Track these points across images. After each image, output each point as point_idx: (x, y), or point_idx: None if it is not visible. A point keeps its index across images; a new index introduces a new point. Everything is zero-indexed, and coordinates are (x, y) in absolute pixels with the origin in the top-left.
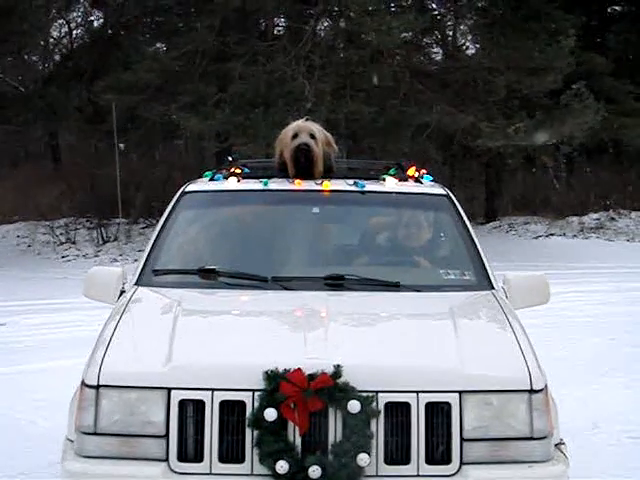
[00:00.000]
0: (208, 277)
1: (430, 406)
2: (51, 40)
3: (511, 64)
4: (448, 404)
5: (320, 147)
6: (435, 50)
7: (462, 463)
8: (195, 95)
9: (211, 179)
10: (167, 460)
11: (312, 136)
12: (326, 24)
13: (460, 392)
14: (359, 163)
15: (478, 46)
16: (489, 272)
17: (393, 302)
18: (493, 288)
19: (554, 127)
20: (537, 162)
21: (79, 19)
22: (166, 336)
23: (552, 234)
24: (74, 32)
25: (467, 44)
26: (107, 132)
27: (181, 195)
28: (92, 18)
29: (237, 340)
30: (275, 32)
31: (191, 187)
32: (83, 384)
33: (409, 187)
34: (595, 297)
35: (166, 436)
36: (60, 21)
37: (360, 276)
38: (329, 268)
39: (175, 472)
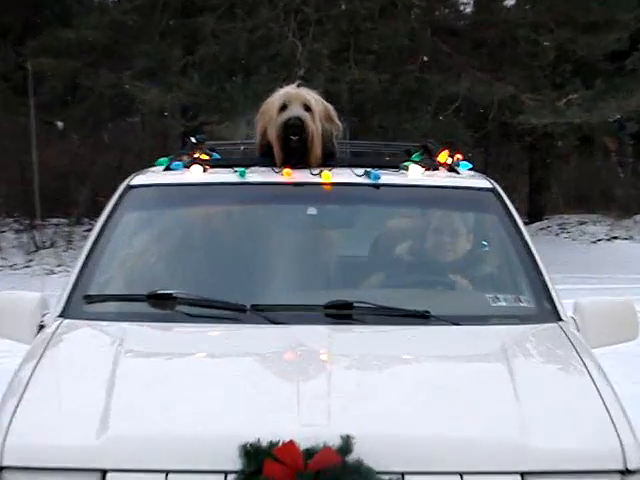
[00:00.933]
0: (162, 306)
1: None
2: None
3: (562, 18)
4: None
5: (318, 123)
6: (464, 1)
7: None
8: (154, 59)
9: (167, 168)
10: None
11: (307, 107)
12: None
13: (523, 474)
14: (371, 146)
15: None
16: (554, 297)
17: (421, 340)
18: (560, 319)
19: (617, 99)
20: (596, 145)
21: None
22: (101, 393)
23: (616, 237)
24: None
25: None
26: (41, 106)
27: (125, 191)
28: None
29: (202, 399)
30: None
31: (138, 180)
32: None
33: (441, 179)
34: None
35: None
36: None
37: (374, 303)
38: (331, 292)
39: None
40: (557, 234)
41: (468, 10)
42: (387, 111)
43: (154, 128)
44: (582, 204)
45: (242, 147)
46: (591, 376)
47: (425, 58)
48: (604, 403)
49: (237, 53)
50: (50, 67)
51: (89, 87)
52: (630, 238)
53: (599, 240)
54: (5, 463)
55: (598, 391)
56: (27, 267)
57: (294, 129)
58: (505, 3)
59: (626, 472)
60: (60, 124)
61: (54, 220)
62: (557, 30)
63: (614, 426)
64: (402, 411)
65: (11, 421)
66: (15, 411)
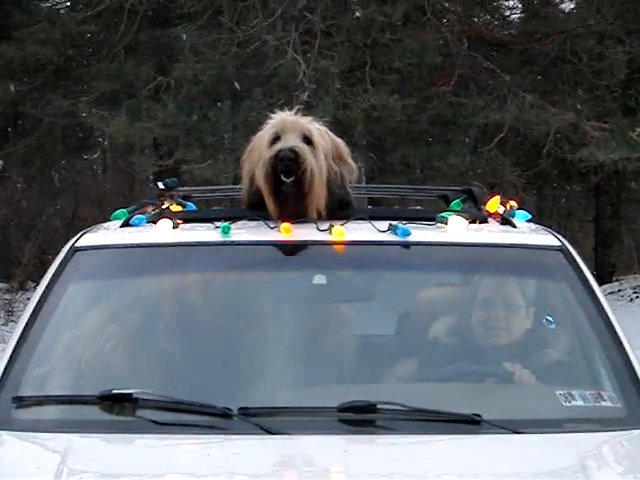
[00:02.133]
0: (119, 410)
1: None
2: None
3: (635, 26)
4: None
5: (322, 160)
6: (510, 3)
7: None
8: (119, 81)
9: (125, 223)
10: None
11: (306, 139)
12: None
13: None
14: (396, 191)
15: None
16: None
17: (470, 456)
18: None
19: None
20: None
21: None
22: None
23: None
24: None
25: None
26: None
27: (70, 254)
28: None
29: None
30: None
31: (88, 239)
32: None
33: (493, 234)
34: None
35: None
36: None
37: (405, 404)
38: (347, 389)
39: None
40: (631, 299)
41: (515, 17)
42: (413, 145)
43: (118, 168)
44: None
45: (227, 194)
46: None
47: (460, 76)
48: None
49: (223, 73)
50: None
51: (36, 116)
52: None
53: None
54: None
55: None
56: None
57: (286, 165)
58: (562, 7)
59: None
60: None
61: None
62: (629, 41)
63: None
64: None
65: None
66: None
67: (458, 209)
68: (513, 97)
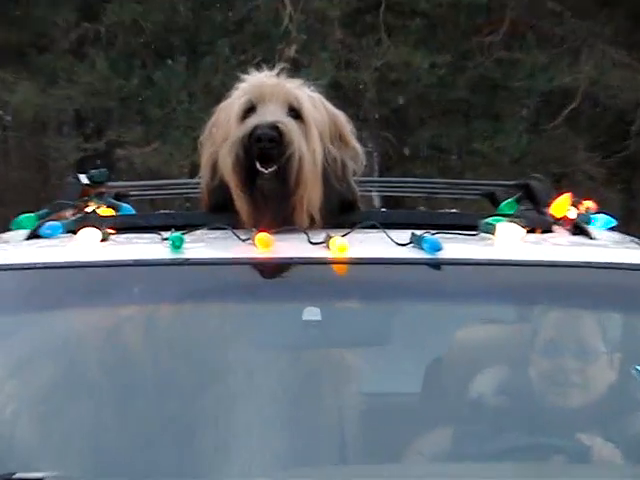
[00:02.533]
0: None
1: None
2: None
3: None
4: None
5: (315, 142)
6: None
7: None
8: (26, 29)
9: (33, 234)
10: None
11: (293, 112)
12: None
13: None
14: (420, 186)
15: None
16: None
17: None
18: None
19: None
20: None
21: None
22: None
23: None
24: None
25: None
26: None
27: None
28: None
29: None
30: None
31: None
32: None
33: (560, 249)
34: None
35: None
36: None
37: None
38: (352, 472)
39: None
40: None
41: None
42: (446, 120)
43: (26, 153)
44: None
45: (180, 191)
46: None
47: (515, 24)
48: None
49: (175, 17)
50: None
51: None
52: None
53: None
54: None
55: None
56: None
57: (265, 149)
58: None
59: None
60: None
61: None
62: None
63: None
64: None
65: None
66: None
67: (511, 212)
68: (589, 52)
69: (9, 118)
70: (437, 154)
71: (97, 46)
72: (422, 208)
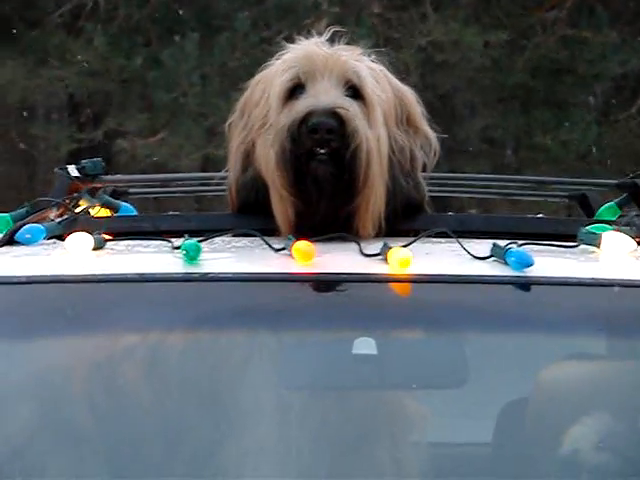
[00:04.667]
0: None
1: None
2: None
3: None
4: None
5: (382, 129)
6: None
7: None
8: (14, 4)
9: (8, 240)
10: None
11: (354, 91)
12: None
13: None
14: (497, 184)
15: None
16: None
17: None
18: None
19: None
20: None
21: None
22: None
23: None
24: None
25: None
26: None
27: None
28: None
29: None
30: None
31: None
32: None
33: None
34: None
35: None
36: None
37: None
38: None
39: None
40: None
41: None
42: (503, 108)
43: (11, 144)
44: None
45: (193, 188)
46: None
47: None
48: None
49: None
50: None
51: None
52: None
53: None
54: None
55: None
56: None
57: (322, 140)
58: None
59: None
60: None
61: None
62: None
63: None
64: None
65: None
66: None
67: (614, 219)
68: None
69: None
70: (490, 148)
71: (94, 20)
72: (473, 211)
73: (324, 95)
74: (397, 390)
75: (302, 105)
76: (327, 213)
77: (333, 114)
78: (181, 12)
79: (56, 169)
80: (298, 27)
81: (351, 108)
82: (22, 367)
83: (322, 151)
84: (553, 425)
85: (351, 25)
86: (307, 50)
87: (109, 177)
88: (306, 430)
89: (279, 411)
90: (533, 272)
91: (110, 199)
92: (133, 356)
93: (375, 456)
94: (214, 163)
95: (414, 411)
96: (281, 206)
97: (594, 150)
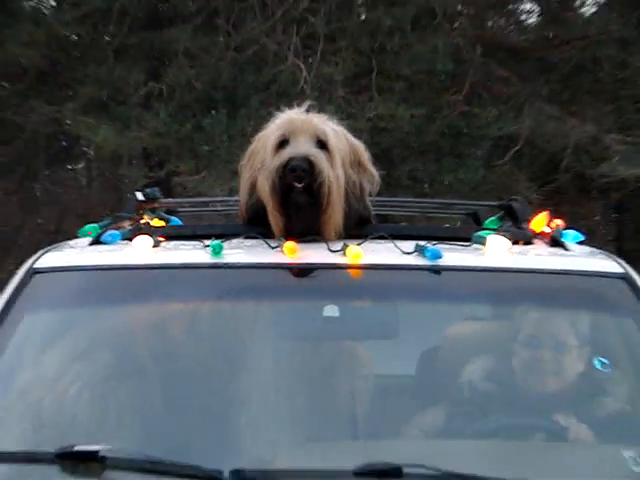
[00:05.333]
0: (83, 471)
1: None
2: None
3: None
4: None
5: (339, 169)
6: (527, 7)
7: None
8: (107, 87)
9: (96, 241)
10: None
11: (320, 144)
12: None
13: None
14: (423, 206)
15: (602, 1)
16: None
17: None
18: None
19: None
20: None
21: None
22: None
23: None
24: None
25: None
26: None
27: (26, 277)
28: None
29: None
30: None
31: (48, 260)
32: None
33: (541, 258)
34: None
35: None
36: None
37: (437, 468)
38: (363, 447)
39: None
40: None
41: (532, 21)
42: (422, 158)
43: (105, 180)
44: None
45: (221, 208)
46: None
47: (474, 86)
48: None
49: (219, 79)
50: None
51: (18, 124)
52: None
53: None
54: None
55: None
56: None
57: (298, 176)
58: (582, 11)
59: None
60: None
61: None
62: None
63: None
64: None
65: None
66: None
67: (497, 227)
68: (529, 107)
69: (92, 153)
70: (414, 183)
71: (160, 100)
72: (403, 224)
73: (301, 147)
74: (353, 340)
75: (286, 153)
76: (303, 225)
77: (306, 159)
78: (215, 95)
79: (128, 194)
80: (290, 105)
81: (319, 156)
82: (104, 323)
83: (299, 185)
84: (455, 364)
85: (325, 103)
86: (290, 117)
87: (163, 200)
88: (294, 363)
89: (277, 352)
90: (442, 262)
91: (164, 215)
92: (178, 316)
93: (338, 382)
94: (236, 192)
95: (363, 354)
96: (274, 220)
97: (481, 185)
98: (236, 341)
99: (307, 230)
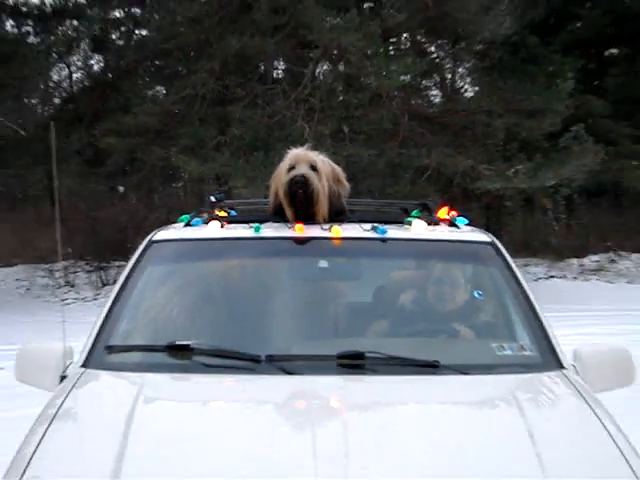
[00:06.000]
0: (180, 356)
1: None
2: (51, 84)
3: (510, 107)
4: None
5: (324, 182)
6: (434, 93)
7: None
8: (195, 138)
9: (187, 224)
10: None
11: (313, 167)
12: (325, 67)
13: None
14: (376, 204)
15: (477, 89)
16: (556, 346)
17: (434, 390)
18: (563, 367)
19: (553, 169)
20: (536, 205)
21: (79, 63)
22: (116, 441)
23: (552, 276)
24: (74, 75)
25: (466, 87)
26: (106, 175)
27: (148, 245)
28: (92, 62)
29: (216, 453)
30: (274, 75)
31: (161, 235)
32: None
33: (443, 233)
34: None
35: None
36: (60, 65)
37: (386, 353)
38: (342, 342)
39: None
40: None
41: (437, 100)
42: (375, 178)
43: (193, 192)
44: (526, 250)
45: (259, 206)
46: (599, 418)
47: (404, 137)
48: (614, 442)
49: (258, 134)
50: (114, 145)
51: (144, 160)
52: (563, 277)
53: (539, 278)
54: None
55: (607, 431)
56: (95, 300)
57: (299, 185)
58: (466, 95)
59: None
60: (121, 188)
61: (116, 263)
62: (506, 116)
63: (627, 463)
64: (432, 465)
65: (29, 463)
66: (32, 455)
67: (418, 216)
68: (435, 150)
69: (186, 177)
70: (370, 193)
71: (225, 146)
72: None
73: (301, 170)
74: (336, 281)
75: (292, 174)
76: (304, 214)
77: (304, 177)
78: (256, 144)
79: (206, 198)
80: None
81: (312, 175)
82: (193, 271)
83: (300, 191)
84: (394, 294)
85: (317, 145)
86: (296, 152)
87: (227, 201)
88: (302, 293)
89: (292, 286)
90: (387, 235)
91: (227, 209)
92: (234, 267)
93: (327, 305)
94: (267, 197)
95: (342, 288)
96: (288, 212)
97: (408, 194)
98: (268, 279)
99: (307, 218)
